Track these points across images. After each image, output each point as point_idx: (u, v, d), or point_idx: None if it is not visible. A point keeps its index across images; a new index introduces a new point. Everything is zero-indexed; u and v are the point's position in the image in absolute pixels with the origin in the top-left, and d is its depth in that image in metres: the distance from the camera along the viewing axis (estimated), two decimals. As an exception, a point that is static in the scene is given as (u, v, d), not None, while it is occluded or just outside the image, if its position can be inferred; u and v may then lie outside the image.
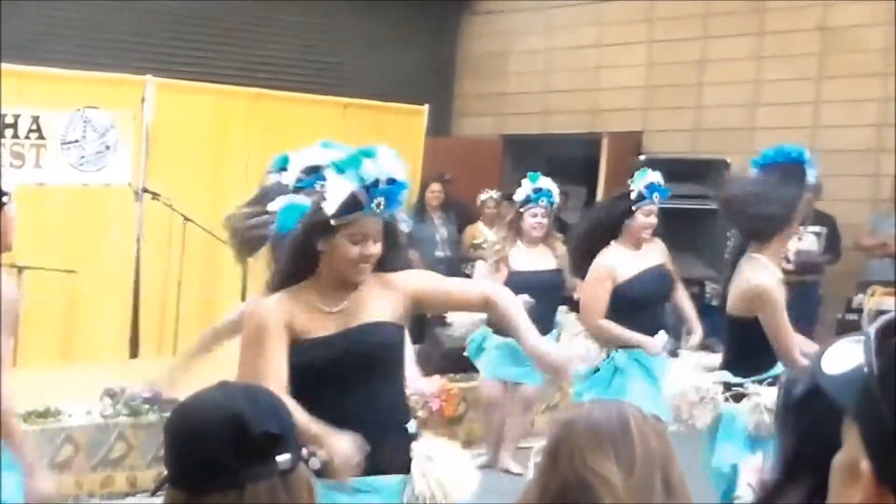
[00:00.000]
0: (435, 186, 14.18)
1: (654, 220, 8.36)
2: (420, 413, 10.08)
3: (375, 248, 4.82)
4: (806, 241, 12.75)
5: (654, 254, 8.47)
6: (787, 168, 6.71)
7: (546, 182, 9.82)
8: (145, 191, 11.45)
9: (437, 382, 10.38)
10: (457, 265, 14.13)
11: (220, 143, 12.65)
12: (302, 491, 2.58)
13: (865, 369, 1.26)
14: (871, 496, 1.20)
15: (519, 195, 9.78)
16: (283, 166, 6.41)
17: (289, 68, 14.22)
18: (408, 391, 5.28)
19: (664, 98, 14.77)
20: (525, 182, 9.81)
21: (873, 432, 1.21)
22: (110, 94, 11.66)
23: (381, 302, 4.94)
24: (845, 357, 1.36)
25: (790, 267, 12.71)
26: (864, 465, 1.21)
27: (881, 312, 11.74)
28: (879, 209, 13.10)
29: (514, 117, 15.98)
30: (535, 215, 9.72)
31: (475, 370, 10.60)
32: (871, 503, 1.20)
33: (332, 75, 14.62)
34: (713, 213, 10.75)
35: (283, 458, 2.52)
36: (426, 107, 14.72)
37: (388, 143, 14.33)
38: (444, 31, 16.21)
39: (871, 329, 1.30)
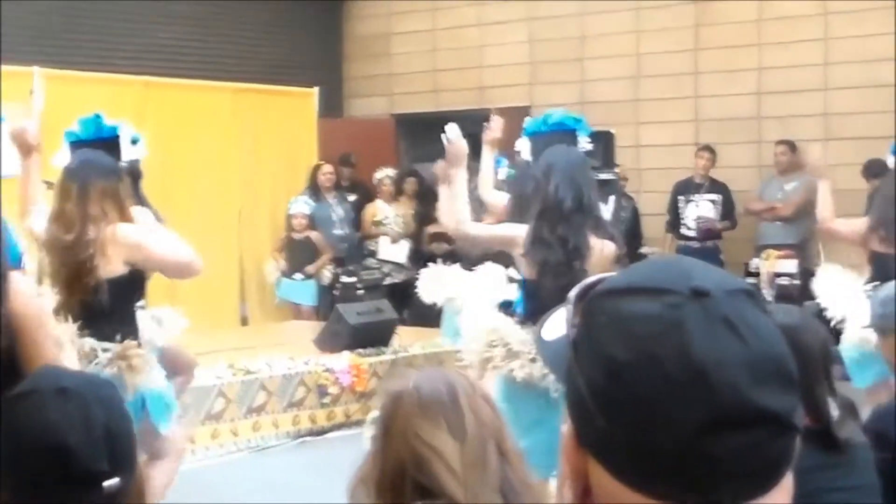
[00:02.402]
0: (327, 168, 14.34)
1: None
2: (331, 389, 10.24)
3: None
4: (703, 208, 13.12)
5: None
6: (560, 137, 6.81)
7: None
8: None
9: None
10: (357, 242, 14.35)
11: (112, 132, 12.60)
12: None
13: (566, 336, 1.31)
14: (572, 456, 1.25)
15: None
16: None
17: (178, 56, 14.19)
18: None
19: (548, 73, 14.98)
20: None
21: (571, 395, 1.24)
22: (-3, 85, 11.56)
23: None
24: (560, 324, 1.36)
25: (692, 234, 13.15)
26: (565, 428, 1.25)
27: (777, 275, 12.14)
28: (765, 175, 13.45)
29: (404, 97, 16.11)
30: None
31: (383, 345, 10.79)
32: (574, 466, 1.25)
33: (221, 61, 14.61)
34: (600, 183, 10.95)
35: (110, 484, 2.45)
36: (316, 89, 14.83)
37: (280, 126, 14.48)
38: (329, 14, 16.27)
39: (571, 294, 1.34)
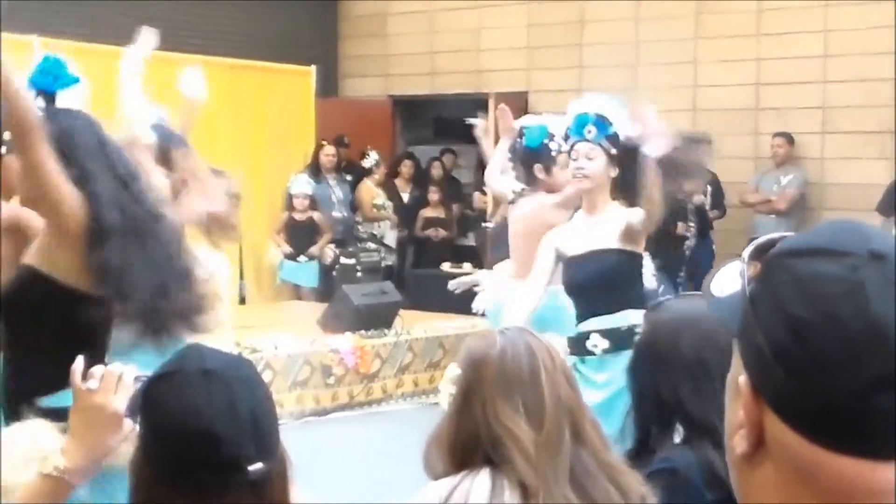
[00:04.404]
0: (329, 149, 14.30)
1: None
2: (336, 370, 10.19)
3: None
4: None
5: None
6: None
7: None
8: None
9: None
10: (352, 224, 14.32)
11: (108, 105, 12.47)
12: (273, 494, 2.50)
13: (741, 291, 1.38)
14: (749, 407, 1.31)
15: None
16: None
17: (174, 29, 14.04)
18: None
19: (547, 58, 14.93)
20: None
21: (748, 348, 1.32)
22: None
23: None
24: (730, 280, 1.44)
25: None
26: (742, 379, 1.32)
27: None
28: (761, 167, 13.45)
29: (399, 78, 16.04)
30: None
31: (386, 326, 10.75)
32: (750, 416, 1.31)
33: (217, 37, 14.50)
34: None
35: (255, 468, 2.42)
36: (313, 68, 14.75)
37: (277, 103, 14.43)
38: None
39: (745, 252, 1.42)
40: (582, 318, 6.53)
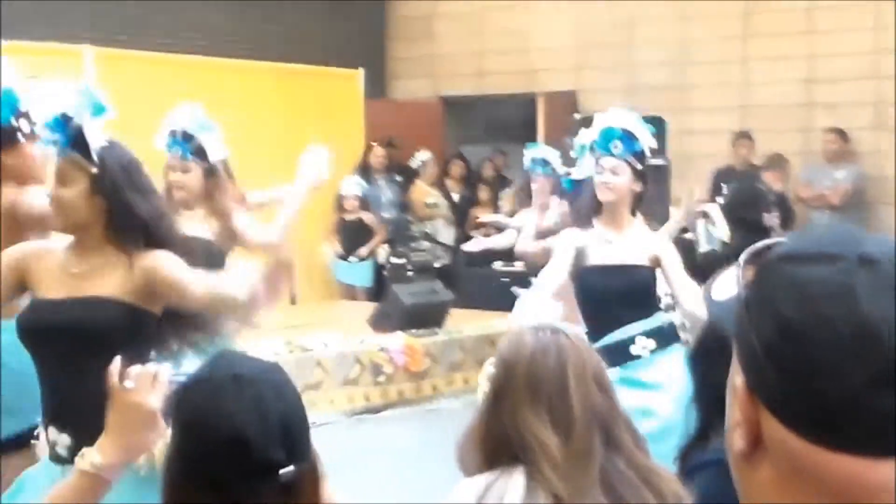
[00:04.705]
0: (379, 151, 14.37)
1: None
2: (386, 368, 10.20)
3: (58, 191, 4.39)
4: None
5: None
6: None
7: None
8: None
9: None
10: (404, 224, 14.35)
11: (157, 112, 12.48)
12: (304, 497, 2.57)
13: (737, 295, 1.41)
14: (745, 406, 1.34)
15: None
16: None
17: (222, 35, 14.11)
18: None
19: (596, 58, 14.90)
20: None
21: (743, 349, 1.35)
22: (47, 65, 11.45)
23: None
24: (729, 285, 1.45)
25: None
26: (739, 380, 1.35)
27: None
28: (812, 162, 13.39)
29: (447, 78, 16.04)
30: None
31: (436, 325, 10.75)
32: (746, 415, 1.34)
33: (263, 41, 14.54)
34: (650, 168, 10.90)
35: (286, 472, 2.49)
36: (361, 71, 14.77)
37: (327, 107, 14.39)
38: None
39: (741, 258, 1.45)
40: (599, 329, 6.53)
